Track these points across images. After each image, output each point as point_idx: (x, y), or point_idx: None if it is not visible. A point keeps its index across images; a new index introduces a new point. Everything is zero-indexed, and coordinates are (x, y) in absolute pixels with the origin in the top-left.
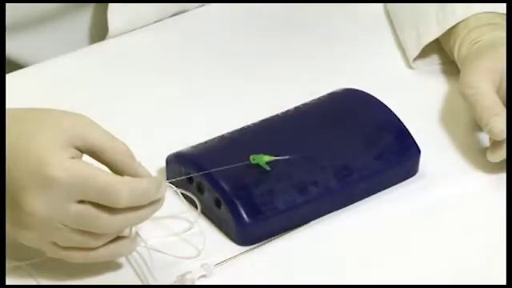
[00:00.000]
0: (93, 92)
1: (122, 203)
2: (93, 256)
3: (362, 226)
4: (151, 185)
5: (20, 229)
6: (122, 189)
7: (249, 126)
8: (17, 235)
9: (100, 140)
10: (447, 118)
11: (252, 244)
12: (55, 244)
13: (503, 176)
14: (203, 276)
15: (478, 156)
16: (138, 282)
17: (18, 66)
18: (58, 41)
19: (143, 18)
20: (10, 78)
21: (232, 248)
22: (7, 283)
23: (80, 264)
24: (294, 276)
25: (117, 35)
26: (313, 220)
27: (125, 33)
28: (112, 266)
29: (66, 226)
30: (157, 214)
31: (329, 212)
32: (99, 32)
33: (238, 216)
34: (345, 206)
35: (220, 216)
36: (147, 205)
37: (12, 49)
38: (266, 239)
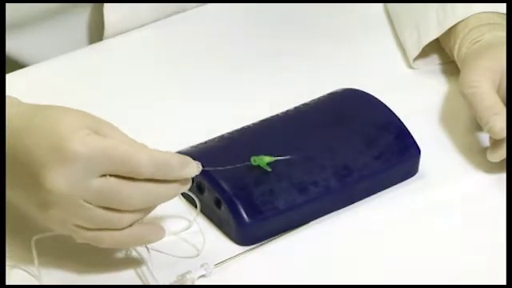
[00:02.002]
0: (92, 92)
1: (143, 171)
2: (119, 238)
3: (362, 225)
4: (174, 158)
5: (43, 210)
6: (143, 156)
7: (249, 126)
8: (41, 218)
9: (122, 140)
10: (447, 118)
11: (252, 244)
12: (81, 226)
13: (503, 176)
14: (203, 276)
15: (478, 156)
16: (138, 282)
17: (17, 65)
18: (57, 40)
19: (141, 18)
20: (10, 78)
21: (232, 248)
22: (7, 283)
23: (80, 264)
24: (294, 276)
25: (115, 35)
26: (313, 220)
27: (123, 32)
28: (112, 265)
29: (88, 203)
30: (156, 213)
31: (329, 212)
32: (98, 31)
33: (238, 216)
34: (345, 206)
35: (220, 216)
36: (171, 181)
37: (12, 47)
38: (266, 239)
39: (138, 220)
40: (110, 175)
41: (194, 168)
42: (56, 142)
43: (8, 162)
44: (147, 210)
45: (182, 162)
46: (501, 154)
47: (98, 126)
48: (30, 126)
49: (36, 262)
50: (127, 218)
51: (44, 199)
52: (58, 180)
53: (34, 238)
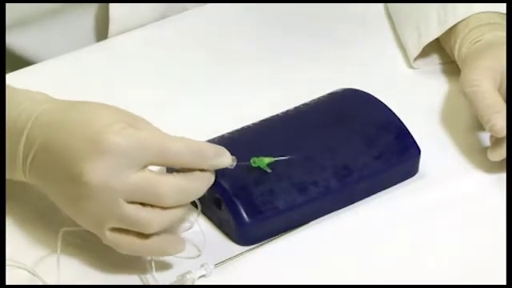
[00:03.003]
0: (92, 92)
1: (181, 160)
2: (139, 247)
3: (362, 226)
4: (209, 147)
5: (75, 205)
6: (180, 145)
7: (249, 126)
8: (72, 213)
9: (157, 132)
10: (447, 118)
11: (252, 244)
12: (109, 227)
13: (503, 176)
14: (203, 276)
15: (478, 156)
16: (138, 282)
17: (22, 62)
18: (62, 37)
19: (145, 17)
20: (15, 77)
21: (232, 248)
22: (7, 283)
23: (80, 264)
24: (293, 276)
25: (119, 33)
26: (313, 220)
27: (126, 32)
28: (112, 265)
29: (123, 199)
30: None
31: (329, 212)
32: (102, 30)
33: (238, 216)
34: (345, 206)
35: (220, 216)
36: (202, 175)
37: (18, 45)
38: (266, 239)
39: (164, 228)
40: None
41: (229, 159)
42: (94, 135)
43: (41, 156)
44: (176, 213)
45: (217, 151)
46: (501, 153)
47: (133, 121)
48: (63, 120)
49: (58, 251)
50: (156, 221)
51: (78, 193)
52: (96, 172)
53: (62, 230)
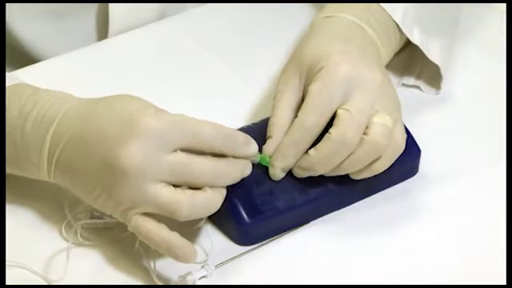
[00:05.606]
0: (91, 91)
1: (213, 142)
2: (156, 237)
3: (362, 225)
4: (239, 133)
5: (110, 192)
6: (212, 128)
7: (249, 126)
8: (104, 202)
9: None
10: (447, 118)
11: (252, 244)
12: (138, 214)
13: (503, 176)
14: (204, 277)
15: (478, 156)
16: (140, 283)
17: (24, 59)
18: (63, 37)
19: (143, 17)
20: (18, 76)
21: (232, 248)
22: (7, 283)
23: (80, 264)
24: (293, 276)
25: (118, 33)
26: (313, 220)
27: (125, 31)
28: (113, 265)
29: (158, 181)
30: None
31: (329, 212)
32: (103, 30)
33: (238, 216)
34: (345, 205)
35: (220, 216)
36: (237, 158)
37: (20, 41)
38: (266, 239)
39: (193, 217)
40: (181, 150)
41: (256, 148)
42: (128, 118)
43: (71, 147)
44: (207, 197)
45: (246, 138)
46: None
47: (163, 110)
48: (96, 109)
49: (68, 245)
50: (187, 205)
51: (113, 178)
52: (132, 155)
53: (81, 222)
